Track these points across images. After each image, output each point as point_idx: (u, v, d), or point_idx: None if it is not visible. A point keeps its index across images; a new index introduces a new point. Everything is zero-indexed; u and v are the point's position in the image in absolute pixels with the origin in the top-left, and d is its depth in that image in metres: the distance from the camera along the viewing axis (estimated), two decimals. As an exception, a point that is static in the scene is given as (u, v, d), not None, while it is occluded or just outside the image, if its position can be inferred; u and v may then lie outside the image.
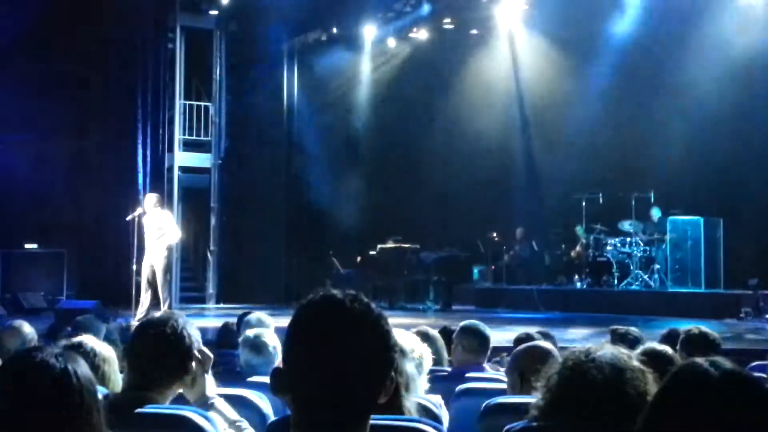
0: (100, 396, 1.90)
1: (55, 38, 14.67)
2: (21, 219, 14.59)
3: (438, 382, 3.84)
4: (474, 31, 17.10)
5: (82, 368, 1.83)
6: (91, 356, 3.29)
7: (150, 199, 10.99)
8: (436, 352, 4.39)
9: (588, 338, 9.37)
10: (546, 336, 5.18)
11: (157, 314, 3.37)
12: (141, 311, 10.51)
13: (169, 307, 10.78)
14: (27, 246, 14.73)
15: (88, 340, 3.42)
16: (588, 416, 2.09)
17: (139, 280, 10.90)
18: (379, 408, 1.57)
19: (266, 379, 3.50)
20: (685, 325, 4.74)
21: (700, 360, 1.58)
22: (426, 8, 16.03)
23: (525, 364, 3.05)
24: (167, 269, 10.93)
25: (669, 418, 1.52)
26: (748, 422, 1.47)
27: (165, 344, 2.70)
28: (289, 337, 1.55)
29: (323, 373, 1.49)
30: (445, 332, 5.05)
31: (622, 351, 2.22)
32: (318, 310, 1.54)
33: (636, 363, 2.18)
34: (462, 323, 4.62)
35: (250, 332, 4.03)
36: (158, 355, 2.70)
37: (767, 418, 1.48)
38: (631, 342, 4.49)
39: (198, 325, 3.03)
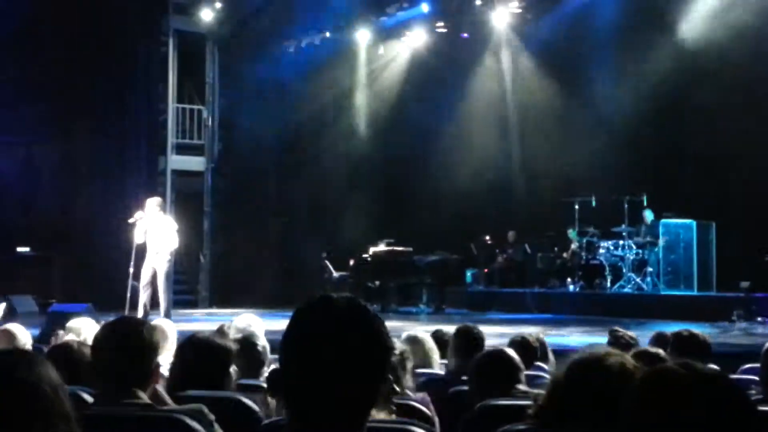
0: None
1: (44, 40, 14.62)
2: (11, 223, 14.51)
3: (432, 385, 3.84)
4: (466, 35, 17.10)
5: (52, 374, 1.72)
6: (77, 357, 3.28)
7: (152, 203, 10.82)
8: (424, 354, 4.39)
9: (581, 341, 9.36)
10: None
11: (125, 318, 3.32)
12: (140, 314, 10.37)
13: (168, 311, 10.71)
14: (18, 249, 14.67)
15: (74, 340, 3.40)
16: (590, 421, 2.07)
17: (135, 284, 10.75)
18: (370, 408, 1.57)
19: (256, 381, 3.50)
20: (677, 328, 4.75)
21: (671, 363, 1.60)
22: (424, 9, 15.98)
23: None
24: (169, 274, 10.84)
25: (640, 420, 1.53)
26: (719, 424, 1.47)
27: (130, 350, 2.61)
28: (286, 339, 1.55)
29: (320, 375, 1.49)
30: (438, 335, 5.04)
31: (626, 356, 2.20)
32: (315, 312, 1.55)
33: (638, 368, 2.17)
34: (457, 326, 4.61)
35: (239, 334, 4.03)
36: (123, 359, 2.60)
37: (741, 420, 1.49)
38: (625, 345, 4.51)
39: (191, 328, 3.01)
